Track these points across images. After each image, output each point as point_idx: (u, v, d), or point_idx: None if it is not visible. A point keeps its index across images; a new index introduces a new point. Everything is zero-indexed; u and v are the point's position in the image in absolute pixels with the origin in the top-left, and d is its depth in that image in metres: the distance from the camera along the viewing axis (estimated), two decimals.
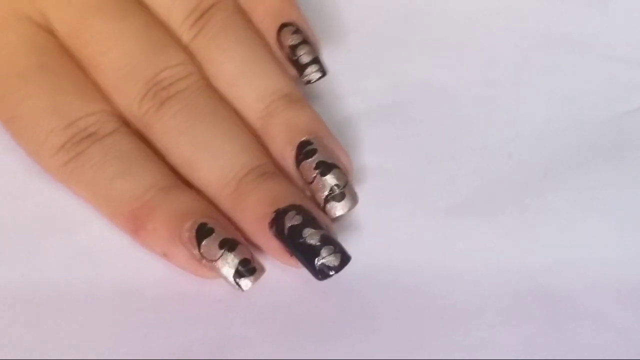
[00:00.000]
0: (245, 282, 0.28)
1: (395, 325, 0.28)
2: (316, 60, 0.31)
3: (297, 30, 0.32)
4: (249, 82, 0.30)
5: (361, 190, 0.31)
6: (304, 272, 0.29)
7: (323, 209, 0.29)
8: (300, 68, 0.31)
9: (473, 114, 0.33)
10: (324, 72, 0.31)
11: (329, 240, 0.28)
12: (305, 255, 0.28)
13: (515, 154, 0.32)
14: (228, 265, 0.28)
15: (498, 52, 0.35)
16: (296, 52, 0.31)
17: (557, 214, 0.31)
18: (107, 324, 0.28)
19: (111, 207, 0.29)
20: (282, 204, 0.28)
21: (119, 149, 0.29)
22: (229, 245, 0.28)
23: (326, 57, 0.33)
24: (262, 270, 0.28)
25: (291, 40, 0.31)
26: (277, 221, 0.28)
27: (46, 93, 0.29)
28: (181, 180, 0.30)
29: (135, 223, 0.28)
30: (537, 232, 0.31)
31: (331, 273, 0.28)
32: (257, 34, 0.32)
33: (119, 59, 0.30)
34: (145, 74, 0.30)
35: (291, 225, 0.28)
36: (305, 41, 0.31)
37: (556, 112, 0.34)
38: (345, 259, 0.28)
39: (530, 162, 0.32)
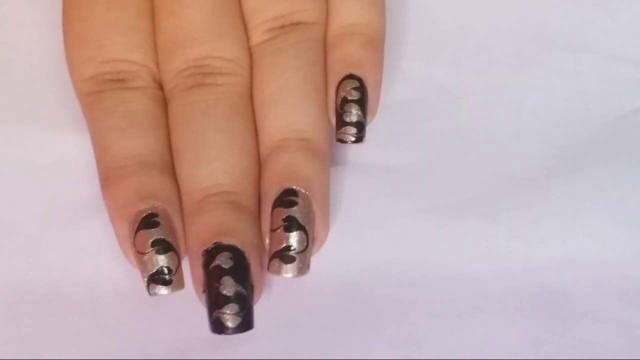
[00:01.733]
0: (157, 289, 0.27)
1: (397, 324, 0.28)
2: (359, 125, 0.29)
3: (360, 88, 0.30)
4: (278, 110, 0.29)
5: (364, 188, 0.31)
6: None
7: (268, 262, 0.28)
8: (341, 124, 0.29)
9: (476, 112, 0.33)
10: (360, 139, 0.30)
11: (240, 299, 0.26)
12: (211, 300, 0.27)
13: (518, 153, 0.32)
14: (151, 264, 0.27)
15: (500, 50, 0.35)
16: (345, 107, 0.29)
17: (560, 213, 0.31)
18: (107, 324, 0.28)
19: (97, 153, 0.29)
20: (224, 240, 0.27)
21: (132, 105, 0.29)
22: (160, 246, 0.27)
23: None
24: (179, 286, 0.27)
25: (348, 93, 0.29)
26: (210, 253, 0.27)
27: (103, 23, 0.29)
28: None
29: (104, 179, 0.28)
30: (540, 230, 0.30)
31: (225, 332, 0.26)
32: (320, 71, 0.30)
33: (179, 25, 0.29)
34: (192, 51, 0.29)
35: (216, 265, 0.27)
36: (361, 101, 0.29)
37: (559, 110, 0.34)
38: (245, 325, 0.26)
39: (533, 161, 0.32)
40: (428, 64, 0.34)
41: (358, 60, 0.30)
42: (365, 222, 0.30)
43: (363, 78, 0.30)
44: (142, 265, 0.27)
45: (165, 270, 0.27)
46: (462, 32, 0.35)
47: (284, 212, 0.28)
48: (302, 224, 0.28)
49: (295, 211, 0.28)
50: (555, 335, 0.28)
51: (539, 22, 0.36)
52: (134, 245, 0.27)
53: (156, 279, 0.27)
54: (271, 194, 0.28)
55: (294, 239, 0.28)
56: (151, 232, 0.27)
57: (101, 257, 0.29)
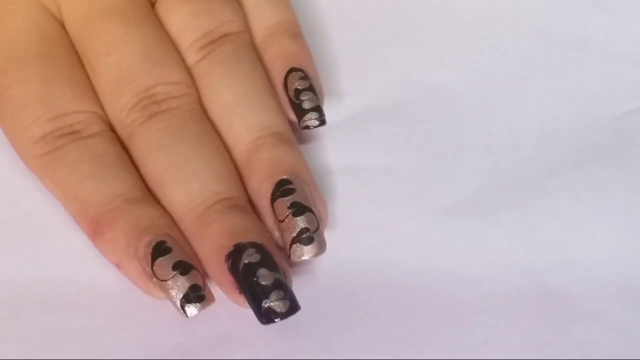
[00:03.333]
0: (191, 309, 0.27)
1: (397, 325, 0.28)
2: (318, 109, 0.31)
3: (305, 77, 0.31)
4: (242, 114, 0.30)
5: (362, 190, 0.31)
6: (304, 272, 0.29)
7: (288, 250, 0.28)
8: (301, 112, 0.31)
9: (475, 113, 0.33)
10: (323, 122, 0.31)
11: (281, 285, 0.27)
12: (254, 295, 0.27)
13: (517, 153, 0.32)
14: (177, 288, 0.27)
15: (500, 51, 0.35)
16: (300, 97, 0.31)
17: (558, 213, 0.31)
18: (107, 324, 0.28)
19: (77, 207, 0.28)
20: (243, 239, 0.27)
21: (97, 151, 0.29)
22: (182, 268, 0.27)
23: (326, 56, 0.33)
24: (212, 300, 0.27)
25: (298, 84, 0.31)
26: (234, 255, 0.27)
27: (39, 82, 0.29)
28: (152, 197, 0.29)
29: (95, 228, 0.28)
30: (539, 231, 0.30)
31: (276, 319, 0.27)
32: (263, 72, 0.31)
33: (119, 63, 0.30)
34: (140, 84, 0.30)
35: (247, 263, 0.27)
36: (311, 88, 0.31)
37: (558, 111, 0.34)
38: (293, 307, 0.27)
39: (532, 162, 0.32)
40: (428, 64, 0.34)
41: (294, 54, 0.32)
42: (365, 224, 0.30)
43: (304, 69, 0.31)
44: (170, 292, 0.27)
45: (195, 289, 0.27)
46: (462, 32, 0.35)
47: (286, 202, 0.28)
48: (307, 205, 0.29)
49: (296, 197, 0.29)
50: (554, 335, 0.28)
51: (539, 22, 0.36)
52: (154, 277, 0.27)
53: (189, 299, 0.27)
54: (264, 190, 0.29)
55: (305, 221, 0.28)
56: (167, 258, 0.27)
57: (101, 257, 0.29)
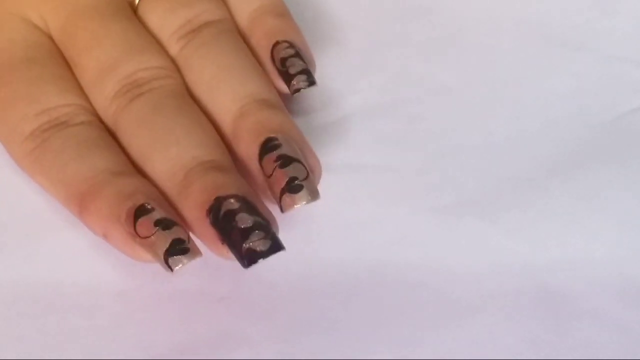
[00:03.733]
0: (175, 262, 0.26)
1: (397, 324, 0.28)
2: (306, 71, 0.31)
3: (291, 46, 0.31)
4: (226, 86, 0.30)
5: (362, 189, 0.31)
6: (303, 272, 0.29)
7: (279, 203, 0.28)
8: (289, 77, 0.31)
9: (474, 112, 0.33)
10: (312, 82, 0.31)
11: (260, 226, 0.27)
12: (234, 239, 0.27)
13: (517, 153, 0.32)
14: (160, 243, 0.27)
15: (499, 50, 0.35)
16: (286, 64, 0.31)
17: (559, 213, 0.31)
18: (107, 324, 0.28)
19: (63, 190, 0.29)
20: (223, 193, 0.27)
21: (81, 136, 0.29)
22: (164, 223, 0.27)
23: (326, 56, 0.33)
24: (197, 252, 0.27)
25: (283, 54, 0.31)
26: (214, 208, 0.27)
27: (25, 82, 0.30)
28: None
29: (80, 204, 0.28)
30: (539, 230, 0.30)
31: (258, 259, 0.26)
32: (247, 49, 0.31)
33: (100, 56, 0.30)
34: (122, 71, 0.30)
35: (226, 210, 0.27)
36: (297, 54, 0.31)
37: (558, 111, 0.34)
38: (275, 246, 0.27)
39: (532, 161, 0.32)
40: (428, 63, 0.34)
41: (279, 29, 0.32)
42: (365, 223, 0.30)
43: (290, 40, 0.31)
44: (154, 247, 0.27)
45: (178, 242, 0.27)
46: (462, 32, 0.35)
47: (272, 156, 0.28)
48: (295, 157, 0.28)
49: (281, 150, 0.28)
50: (555, 335, 0.28)
51: (539, 22, 0.36)
52: (137, 236, 0.27)
53: (172, 251, 0.27)
54: (252, 152, 0.29)
55: (293, 170, 0.28)
56: (148, 217, 0.27)
57: (101, 257, 0.29)
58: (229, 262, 0.28)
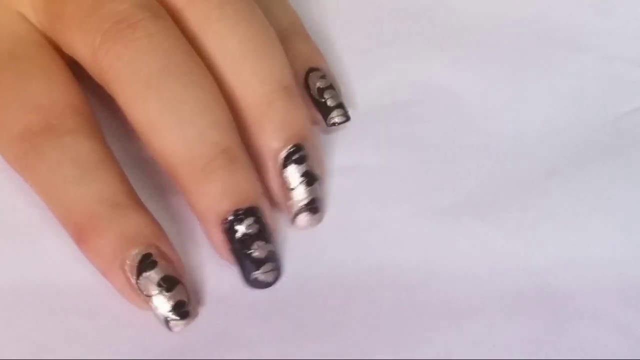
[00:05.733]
0: (176, 325, 0.27)
1: (397, 325, 0.28)
2: (342, 105, 0.32)
3: (325, 76, 0.32)
4: (252, 62, 0.29)
5: (362, 190, 0.31)
6: (303, 273, 0.29)
7: (292, 216, 0.29)
8: (327, 110, 0.31)
9: (474, 113, 0.33)
10: (348, 117, 0.32)
11: (273, 258, 0.28)
12: (246, 265, 0.28)
13: (517, 153, 0.32)
14: (162, 304, 0.27)
15: (499, 51, 0.35)
16: (324, 95, 0.31)
17: (558, 213, 0.31)
18: (107, 324, 0.28)
19: (60, 211, 0.28)
20: (244, 204, 0.27)
21: (77, 151, 0.28)
22: (168, 284, 0.27)
23: (326, 56, 0.33)
24: (196, 314, 0.27)
25: (320, 83, 0.32)
26: (232, 221, 0.27)
27: (13, 79, 0.29)
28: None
29: (79, 234, 0.27)
30: (539, 231, 0.30)
31: (262, 288, 0.28)
32: (267, 22, 0.30)
33: (80, 4, 0.28)
34: (105, 10, 0.27)
35: (245, 234, 0.27)
36: (332, 86, 0.32)
37: (558, 111, 0.34)
38: (278, 277, 0.28)
39: (531, 162, 0.32)
40: (427, 64, 0.34)
41: (310, 54, 0.32)
42: (365, 224, 0.30)
43: (323, 69, 0.32)
44: (155, 308, 0.27)
45: (180, 305, 0.27)
46: (462, 32, 0.35)
47: (299, 170, 0.29)
48: (317, 174, 0.29)
49: (309, 164, 0.29)
50: (554, 335, 0.28)
51: (539, 22, 0.36)
52: (139, 291, 0.27)
53: (173, 316, 0.27)
54: (274, 148, 0.29)
55: (315, 191, 0.29)
56: (153, 273, 0.27)
57: None
58: (229, 263, 0.29)
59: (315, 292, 0.29)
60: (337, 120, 0.32)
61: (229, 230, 0.28)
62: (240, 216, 0.27)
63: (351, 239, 0.30)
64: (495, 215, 0.31)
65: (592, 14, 0.36)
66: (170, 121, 0.27)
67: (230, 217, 0.27)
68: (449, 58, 0.35)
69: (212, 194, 0.27)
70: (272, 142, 0.29)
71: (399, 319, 0.28)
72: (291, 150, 0.29)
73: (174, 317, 0.27)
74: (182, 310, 0.27)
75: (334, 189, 0.31)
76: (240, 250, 0.28)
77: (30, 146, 0.28)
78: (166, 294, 0.27)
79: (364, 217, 0.31)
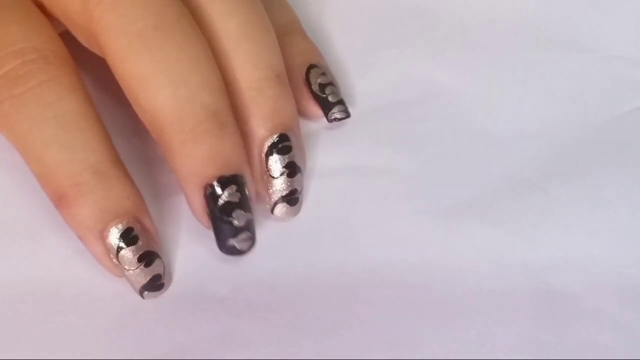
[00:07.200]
0: (149, 295, 0.28)
1: (397, 324, 0.28)
2: (342, 102, 0.32)
3: (325, 73, 0.32)
4: (247, 47, 0.29)
5: (362, 190, 0.31)
6: (303, 273, 0.29)
7: (272, 206, 0.29)
8: (328, 106, 0.32)
9: (474, 113, 0.33)
10: (348, 114, 0.32)
11: (250, 226, 0.28)
12: (223, 231, 0.28)
13: (516, 154, 0.32)
14: (139, 278, 0.27)
15: (500, 51, 0.35)
16: (325, 91, 0.32)
17: (558, 213, 0.31)
18: (107, 324, 0.28)
19: (40, 171, 0.27)
20: (228, 171, 0.27)
21: (60, 107, 0.27)
22: (147, 259, 0.27)
23: (326, 56, 0.33)
24: (169, 284, 0.28)
25: (320, 79, 0.32)
26: (214, 187, 0.27)
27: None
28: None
29: (59, 199, 0.27)
30: (538, 231, 0.30)
31: (236, 255, 0.28)
32: (263, 7, 0.30)
33: None
34: None
35: (227, 202, 0.27)
36: (332, 83, 0.32)
37: (558, 111, 0.34)
38: (252, 246, 0.28)
39: (531, 162, 0.32)
40: (427, 64, 0.34)
41: (310, 51, 0.33)
42: (365, 224, 0.30)
43: (324, 67, 0.33)
44: (131, 279, 0.28)
45: (156, 278, 0.28)
46: (462, 32, 0.35)
47: (282, 160, 0.29)
48: (300, 165, 0.29)
49: (292, 156, 0.29)
50: (554, 335, 0.28)
51: (539, 22, 0.36)
52: (118, 262, 0.27)
53: (149, 287, 0.28)
54: (260, 136, 0.29)
55: (297, 182, 0.29)
56: (133, 249, 0.27)
57: None
58: (229, 262, 0.29)
59: (315, 292, 0.29)
60: (338, 115, 0.32)
61: (211, 196, 0.27)
62: (224, 183, 0.27)
63: (351, 239, 0.30)
64: (495, 215, 0.31)
65: (592, 14, 0.36)
66: (162, 78, 0.27)
67: (214, 183, 0.27)
68: (449, 58, 0.35)
69: (198, 157, 0.27)
70: (259, 130, 0.29)
71: (399, 319, 0.28)
72: (276, 139, 0.29)
73: (149, 289, 0.28)
74: (158, 282, 0.28)
75: (334, 188, 0.31)
76: (219, 217, 0.28)
77: (8, 95, 0.27)
78: (145, 268, 0.27)
79: (364, 217, 0.31)
